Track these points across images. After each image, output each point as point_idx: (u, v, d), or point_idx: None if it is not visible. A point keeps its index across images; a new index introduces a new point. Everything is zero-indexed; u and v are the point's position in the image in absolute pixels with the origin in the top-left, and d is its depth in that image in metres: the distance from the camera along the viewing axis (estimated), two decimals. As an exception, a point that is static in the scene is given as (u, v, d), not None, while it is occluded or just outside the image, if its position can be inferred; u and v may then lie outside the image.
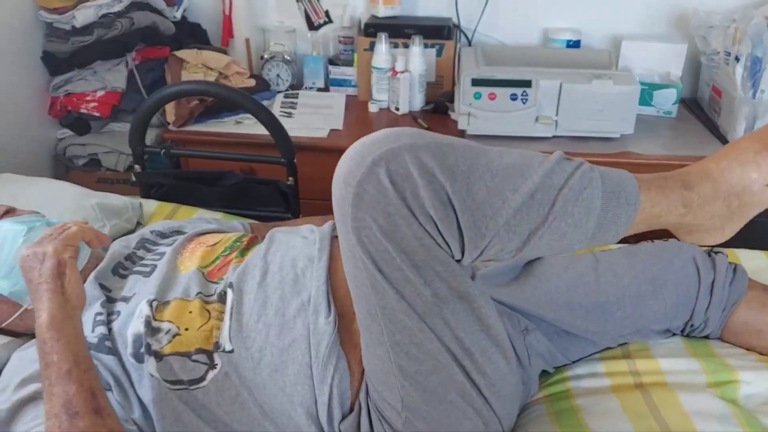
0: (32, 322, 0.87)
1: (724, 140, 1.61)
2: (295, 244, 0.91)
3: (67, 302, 0.71)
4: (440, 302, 0.69)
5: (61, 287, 0.72)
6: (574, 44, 1.85)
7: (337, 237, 0.91)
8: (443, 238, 0.66)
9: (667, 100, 1.76)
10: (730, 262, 0.95)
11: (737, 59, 1.57)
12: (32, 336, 0.89)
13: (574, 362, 0.94)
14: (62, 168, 1.71)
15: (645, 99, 1.76)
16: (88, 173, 1.67)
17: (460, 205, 0.64)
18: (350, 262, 0.70)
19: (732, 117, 1.59)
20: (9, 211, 0.94)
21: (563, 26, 1.87)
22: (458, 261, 0.69)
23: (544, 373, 0.93)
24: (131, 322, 0.82)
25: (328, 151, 1.56)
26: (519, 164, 0.68)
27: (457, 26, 1.87)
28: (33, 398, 0.75)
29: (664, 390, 0.84)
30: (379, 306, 0.69)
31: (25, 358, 0.81)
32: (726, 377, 0.85)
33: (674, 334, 0.95)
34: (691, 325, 0.93)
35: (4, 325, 0.88)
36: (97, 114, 1.63)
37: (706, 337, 0.94)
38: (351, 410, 0.79)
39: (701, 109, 1.81)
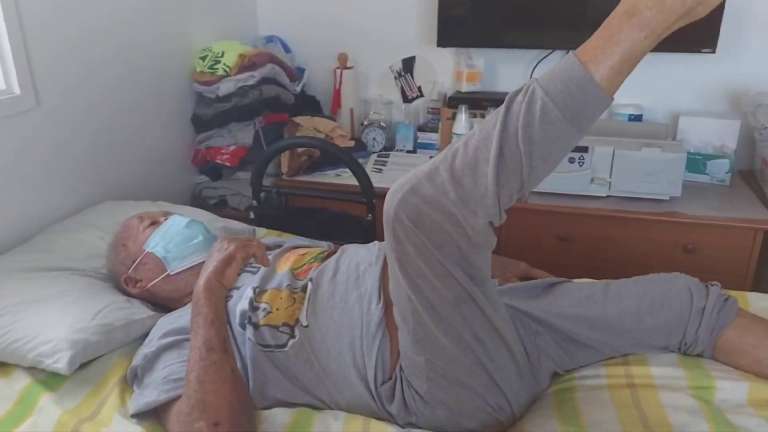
0: (169, 288, 1.22)
1: (772, 207, 1.73)
2: (360, 252, 1.19)
3: (221, 279, 1.03)
4: (460, 303, 0.92)
5: (223, 270, 1.04)
6: (636, 118, 2.06)
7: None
8: (468, 234, 0.86)
9: (719, 170, 1.90)
10: (723, 294, 1.11)
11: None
12: (166, 308, 1.23)
13: (582, 367, 1.12)
14: (197, 206, 2.12)
15: (699, 167, 1.91)
16: (217, 211, 2.07)
17: (461, 204, 0.84)
18: (393, 280, 0.95)
19: (777, 186, 1.72)
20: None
21: (627, 102, 2.09)
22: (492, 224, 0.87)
23: (557, 375, 1.13)
24: (240, 302, 1.12)
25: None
26: (481, 141, 0.82)
27: (529, 100, 2.14)
28: (170, 346, 1.06)
29: (649, 389, 1.01)
30: (411, 312, 0.93)
31: (166, 320, 1.14)
32: (705, 383, 1.00)
33: (672, 351, 1.11)
34: (685, 343, 1.09)
35: (150, 285, 1.21)
36: (228, 164, 2.04)
37: (700, 355, 1.09)
38: (390, 378, 1.03)
39: (755, 179, 1.93)
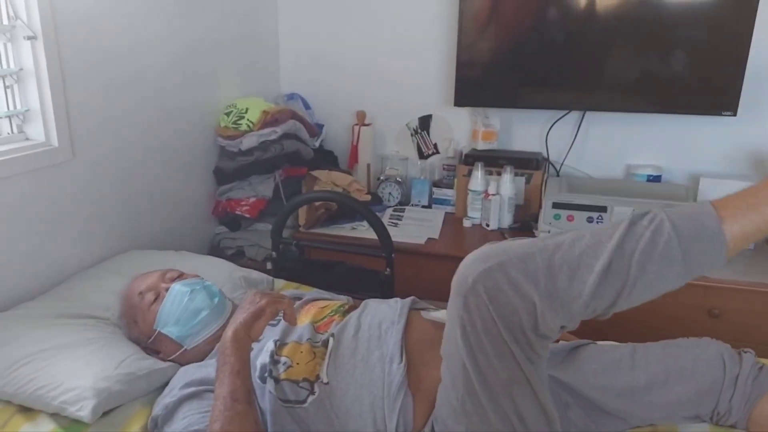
0: (190, 359, 1.21)
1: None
2: (382, 309, 1.18)
3: (249, 331, 1.02)
4: (513, 384, 0.89)
5: (252, 323, 1.03)
6: (655, 179, 2.06)
7: (414, 309, 1.18)
8: (538, 326, 0.84)
9: (744, 232, 1.88)
10: (756, 362, 1.07)
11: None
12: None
13: (609, 436, 1.08)
14: (215, 256, 2.13)
15: (722, 230, 1.89)
16: (234, 261, 2.07)
17: (547, 299, 0.82)
18: (450, 344, 0.92)
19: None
20: (180, 276, 1.30)
21: (646, 163, 2.10)
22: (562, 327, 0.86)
23: (583, 444, 1.09)
24: (260, 355, 1.12)
25: (423, 255, 1.86)
26: (591, 247, 0.81)
27: (546, 159, 2.16)
28: (190, 396, 1.05)
29: (681, 460, 0.97)
30: (464, 381, 0.91)
31: (187, 371, 1.14)
32: (741, 456, 0.96)
33: (703, 422, 1.07)
34: (718, 413, 1.05)
35: (168, 359, 1.22)
36: (247, 215, 2.05)
37: (733, 426, 1.05)
38: (413, 438, 1.00)
39: (782, 243, 1.90)
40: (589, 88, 2.03)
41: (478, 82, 2.12)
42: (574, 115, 2.12)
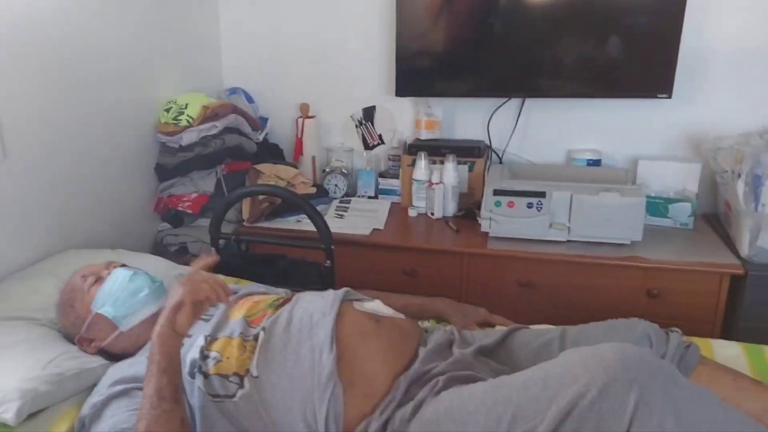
0: (124, 345, 1.19)
1: (735, 251, 1.73)
2: (315, 301, 1.17)
3: (173, 326, 0.98)
4: None
5: (172, 316, 0.98)
6: (594, 163, 2.09)
7: (348, 300, 1.17)
8: None
9: (682, 213, 1.92)
10: (684, 340, 1.09)
11: (739, 176, 1.74)
12: (122, 358, 1.18)
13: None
14: (158, 253, 2.07)
15: (661, 212, 1.94)
16: (178, 258, 2.03)
17: None
18: (542, 390, 0.86)
19: (738, 229, 1.73)
20: (123, 265, 1.29)
21: (585, 147, 2.13)
22: None
23: None
24: (190, 351, 1.10)
25: (368, 246, 1.85)
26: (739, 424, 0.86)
27: (489, 147, 2.17)
28: (119, 394, 1.03)
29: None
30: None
31: (116, 369, 1.11)
32: None
33: (632, 399, 1.09)
34: (645, 391, 1.07)
35: (103, 344, 1.19)
36: (189, 211, 2.01)
37: (661, 403, 1.07)
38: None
39: (720, 223, 1.95)
40: (528, 74, 2.05)
41: (419, 72, 2.12)
42: (515, 102, 2.14)
